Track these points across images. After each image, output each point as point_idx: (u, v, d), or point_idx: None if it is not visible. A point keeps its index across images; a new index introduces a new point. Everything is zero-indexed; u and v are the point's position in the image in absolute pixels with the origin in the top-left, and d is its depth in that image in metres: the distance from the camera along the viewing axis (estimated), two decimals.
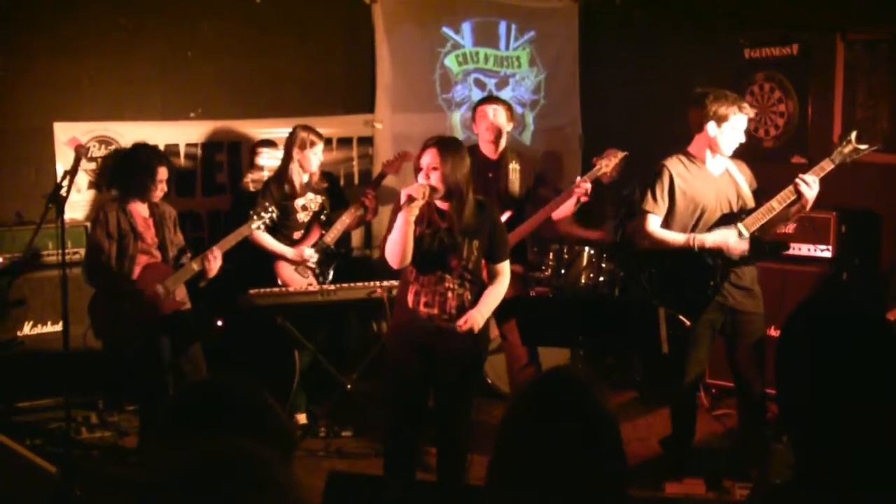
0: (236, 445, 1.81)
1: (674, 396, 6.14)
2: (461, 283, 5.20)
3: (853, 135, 5.61)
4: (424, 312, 5.21)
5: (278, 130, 7.72)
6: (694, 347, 5.82)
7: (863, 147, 5.59)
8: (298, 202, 6.88)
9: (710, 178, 5.81)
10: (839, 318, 2.29)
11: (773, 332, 6.28)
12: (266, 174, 7.79)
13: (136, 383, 6.34)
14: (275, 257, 6.82)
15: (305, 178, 6.93)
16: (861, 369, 2.16)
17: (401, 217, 5.01)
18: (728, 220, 5.76)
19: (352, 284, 6.68)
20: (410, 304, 5.24)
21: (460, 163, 5.09)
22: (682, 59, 8.35)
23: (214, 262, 6.09)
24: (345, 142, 8.38)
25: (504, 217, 6.32)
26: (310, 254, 6.82)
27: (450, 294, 5.19)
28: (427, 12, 8.70)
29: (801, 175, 5.58)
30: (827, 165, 5.60)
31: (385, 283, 6.51)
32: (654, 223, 5.82)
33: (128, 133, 7.35)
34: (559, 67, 9.34)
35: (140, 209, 6.18)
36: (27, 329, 6.83)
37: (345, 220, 6.93)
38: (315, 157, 6.89)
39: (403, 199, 4.99)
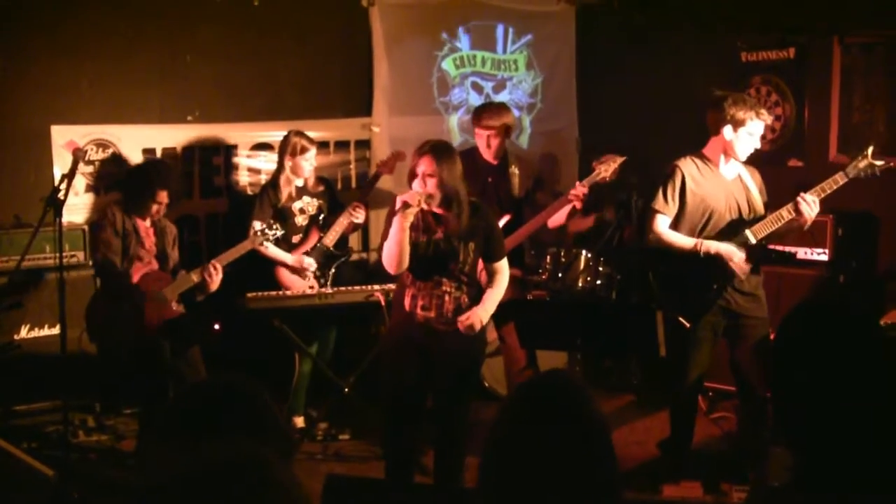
0: (239, 447, 1.81)
1: (674, 398, 6.14)
2: (458, 286, 5.21)
3: (869, 150, 5.61)
4: (421, 315, 5.22)
5: (275, 133, 7.71)
6: (695, 350, 5.83)
7: (879, 163, 5.59)
8: (296, 206, 6.88)
9: (722, 182, 5.81)
10: (834, 321, 2.29)
11: (772, 336, 6.28)
12: (263, 177, 7.79)
13: (136, 386, 6.34)
14: (275, 262, 6.83)
15: (300, 183, 6.94)
16: (856, 372, 2.17)
17: (396, 223, 5.01)
18: (736, 225, 5.76)
19: (349, 288, 6.69)
20: (407, 307, 5.25)
21: (454, 168, 5.09)
22: (679, 63, 8.36)
23: (216, 275, 6.10)
24: (342, 145, 8.38)
25: (503, 221, 6.33)
26: (309, 262, 6.83)
27: (447, 297, 5.20)
28: (425, 16, 8.70)
29: (802, 195, 5.58)
30: (840, 179, 5.60)
31: (383, 287, 6.51)
32: (662, 223, 5.82)
33: (125, 136, 7.35)
34: (556, 71, 9.35)
35: (139, 219, 6.21)
36: (24, 332, 6.82)
37: (342, 222, 6.94)
38: (307, 164, 6.90)
39: (398, 205, 5.00)
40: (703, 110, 5.86)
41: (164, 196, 6.16)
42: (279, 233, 6.37)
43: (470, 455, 5.24)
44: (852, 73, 7.51)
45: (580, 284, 7.06)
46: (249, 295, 6.49)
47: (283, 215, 6.75)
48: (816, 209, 5.57)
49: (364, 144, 8.49)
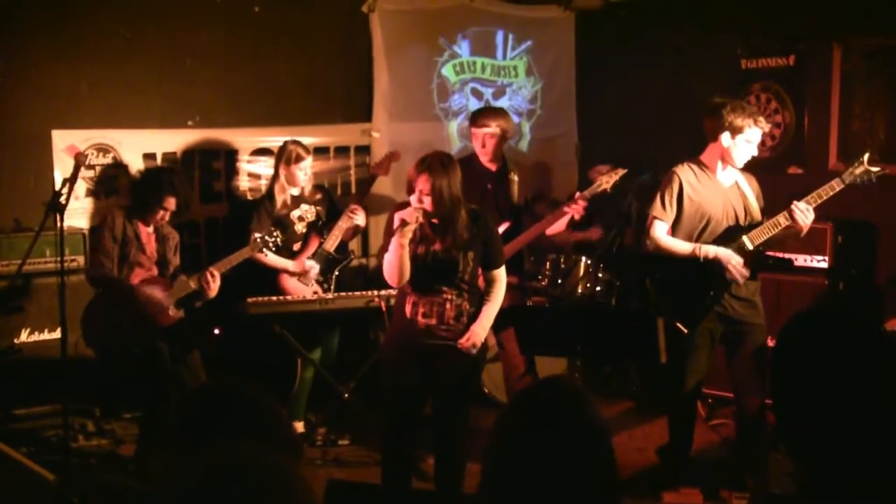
0: (250, 451, 1.82)
1: (672, 405, 6.15)
2: (459, 293, 5.22)
3: (865, 157, 5.63)
4: (423, 323, 5.23)
5: (275, 139, 7.72)
6: (692, 356, 5.83)
7: (875, 169, 5.61)
8: (294, 214, 6.89)
9: (719, 189, 5.83)
10: (835, 329, 2.29)
11: (770, 343, 6.29)
12: (263, 182, 7.80)
13: (135, 391, 6.34)
14: (277, 271, 6.83)
15: (296, 192, 6.95)
16: (857, 379, 2.17)
17: (395, 241, 5.04)
18: (734, 231, 5.77)
19: (350, 293, 6.69)
20: (408, 314, 5.26)
21: (453, 181, 5.09)
22: (679, 70, 8.37)
23: (213, 282, 6.10)
24: (342, 150, 8.39)
25: (502, 228, 6.34)
26: (311, 265, 6.84)
27: (448, 304, 5.21)
28: (425, 22, 8.71)
29: (795, 203, 5.60)
30: (837, 185, 5.62)
31: (383, 292, 6.52)
32: (660, 229, 5.84)
33: (126, 141, 7.35)
34: (556, 77, 9.37)
35: (143, 225, 6.20)
36: (24, 336, 6.82)
37: (342, 226, 6.94)
38: (301, 173, 6.90)
39: (397, 223, 5.03)
40: (702, 117, 5.88)
41: (171, 203, 6.16)
42: (279, 239, 6.36)
43: (470, 461, 5.26)
44: (852, 81, 7.52)
45: (580, 290, 7.06)
46: (250, 300, 6.50)
47: (281, 224, 6.75)
48: (811, 216, 5.59)
49: (364, 150, 8.49)
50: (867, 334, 2.26)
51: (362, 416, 6.79)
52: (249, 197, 7.86)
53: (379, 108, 8.48)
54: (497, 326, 5.68)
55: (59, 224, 5.83)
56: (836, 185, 5.61)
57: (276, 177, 6.93)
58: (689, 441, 6.14)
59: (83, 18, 7.29)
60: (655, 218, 5.85)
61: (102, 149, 7.34)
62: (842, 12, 7.45)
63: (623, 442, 6.60)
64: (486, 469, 2.32)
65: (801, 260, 7.15)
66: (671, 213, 5.82)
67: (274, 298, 6.63)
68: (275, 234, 6.33)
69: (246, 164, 7.98)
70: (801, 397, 2.23)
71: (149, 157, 7.43)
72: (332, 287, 6.90)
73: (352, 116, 8.51)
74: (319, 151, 7.88)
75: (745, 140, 5.70)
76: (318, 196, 7.11)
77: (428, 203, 5.04)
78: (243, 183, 7.98)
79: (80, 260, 6.82)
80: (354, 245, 8.04)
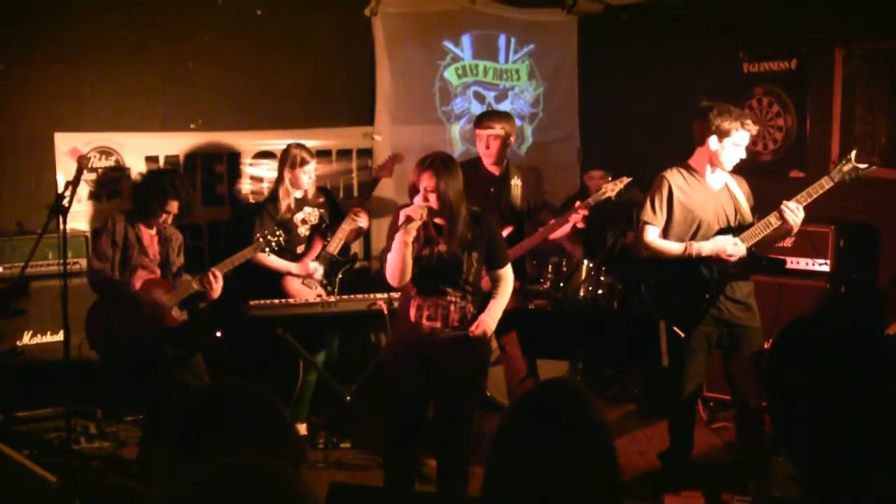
0: (250, 456, 1.82)
1: (672, 409, 6.15)
2: (463, 295, 5.22)
3: (853, 154, 5.65)
4: (427, 326, 5.22)
5: (278, 142, 7.73)
6: (690, 360, 5.84)
7: (862, 166, 5.62)
8: (297, 217, 6.90)
9: (709, 192, 5.84)
10: (830, 334, 2.29)
11: (768, 346, 6.29)
12: (266, 185, 7.81)
13: (138, 394, 6.34)
14: (281, 273, 6.84)
15: (299, 195, 6.96)
16: (854, 383, 2.17)
17: (398, 238, 5.04)
18: (725, 234, 5.78)
19: (352, 296, 6.70)
20: (413, 317, 5.25)
21: (454, 181, 5.10)
22: (682, 73, 8.38)
23: (216, 283, 6.08)
24: (344, 153, 8.40)
25: (505, 232, 6.34)
26: (315, 267, 6.85)
27: (452, 307, 5.21)
28: (427, 25, 8.72)
29: (785, 202, 5.61)
30: (826, 183, 5.62)
31: (385, 295, 6.52)
32: (652, 234, 5.85)
33: (128, 144, 7.37)
34: (558, 80, 9.38)
35: (147, 226, 6.20)
36: (27, 339, 6.83)
37: (345, 229, 6.96)
38: (306, 176, 6.91)
39: (402, 219, 5.02)
40: (691, 121, 5.89)
41: (174, 206, 6.15)
42: (282, 239, 6.35)
43: (473, 464, 5.26)
44: (854, 85, 7.52)
45: (582, 294, 7.07)
46: (252, 303, 6.51)
47: (285, 227, 6.74)
48: (801, 215, 5.60)
49: (366, 153, 8.51)
50: (862, 338, 2.26)
51: (364, 419, 6.79)
52: (252, 200, 7.87)
53: (381, 112, 8.50)
54: (499, 330, 5.69)
55: (61, 227, 5.82)
56: (825, 184, 5.62)
57: (280, 180, 6.94)
58: (689, 444, 6.14)
59: (86, 22, 7.30)
60: (646, 223, 5.87)
61: (105, 152, 7.36)
62: (843, 16, 7.45)
63: (624, 445, 6.60)
64: (489, 471, 2.33)
65: (803, 263, 7.13)
66: (661, 217, 5.83)
67: (276, 301, 6.64)
68: (277, 233, 6.32)
69: (248, 168, 8.00)
70: (798, 403, 2.22)
71: (151, 159, 7.45)
72: (336, 290, 6.91)
73: (354, 119, 8.53)
74: (322, 154, 7.89)
75: (733, 143, 5.72)
76: (321, 199, 7.12)
77: (433, 200, 5.04)
78: (245, 186, 8.00)
79: (83, 262, 6.83)
80: (357, 248, 8.04)
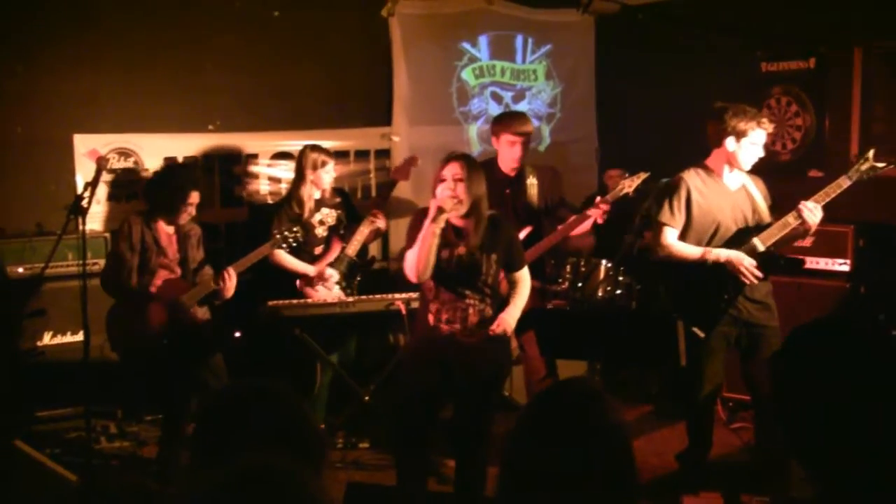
0: (268, 459, 1.82)
1: (690, 409, 6.14)
2: (482, 298, 5.22)
3: (871, 152, 5.62)
4: (446, 329, 5.22)
5: (295, 143, 7.74)
6: (708, 360, 5.83)
7: (880, 165, 5.60)
8: (315, 218, 6.87)
9: (726, 193, 5.83)
10: (838, 338, 2.27)
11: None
12: (283, 186, 7.82)
13: (157, 394, 6.35)
14: (298, 275, 6.85)
15: (317, 195, 6.95)
16: (864, 386, 2.15)
17: (426, 228, 5.02)
18: (743, 234, 5.77)
19: (370, 296, 6.70)
20: (431, 321, 5.25)
21: (480, 179, 5.14)
22: (699, 73, 8.35)
23: (229, 281, 6.07)
24: (362, 154, 8.41)
25: (523, 233, 6.34)
26: (330, 273, 6.83)
27: (471, 310, 5.20)
28: (444, 26, 8.72)
29: (803, 202, 5.59)
30: (844, 182, 5.60)
31: (403, 296, 6.52)
32: (670, 236, 5.84)
33: (147, 145, 7.40)
34: (575, 80, 9.37)
35: (165, 225, 6.19)
36: (47, 339, 6.86)
37: (363, 231, 6.95)
38: (328, 176, 6.92)
39: (433, 210, 5.00)
40: (707, 122, 5.88)
41: (195, 197, 6.16)
42: (298, 235, 6.35)
43: (490, 465, 5.26)
44: (873, 84, 7.49)
45: (600, 294, 7.06)
46: (270, 303, 6.51)
47: (303, 227, 6.73)
48: (819, 215, 5.58)
49: (384, 154, 8.51)
50: (871, 341, 2.24)
51: (382, 419, 6.79)
52: (269, 201, 7.89)
53: (398, 112, 8.51)
54: (518, 330, 5.69)
55: (80, 228, 5.85)
56: (843, 183, 5.60)
57: (301, 182, 6.90)
58: (707, 445, 6.13)
59: (104, 24, 7.33)
60: (664, 224, 5.85)
61: (124, 153, 7.39)
62: (862, 15, 7.43)
63: (642, 446, 6.58)
64: (504, 470, 2.32)
65: (822, 263, 7.10)
66: (680, 218, 5.81)
67: (294, 301, 6.64)
68: (294, 230, 6.31)
69: (266, 168, 8.02)
70: (808, 406, 2.21)
71: (169, 160, 7.47)
72: (355, 292, 6.92)
73: (371, 120, 8.53)
74: (339, 155, 7.89)
75: (750, 143, 5.71)
76: (337, 199, 7.11)
77: (461, 189, 5.04)
78: (263, 187, 8.02)
79: (102, 263, 6.85)
80: (375, 249, 8.04)
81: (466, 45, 8.88)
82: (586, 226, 6.63)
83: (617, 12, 9.12)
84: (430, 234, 5.02)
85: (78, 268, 6.16)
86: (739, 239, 5.77)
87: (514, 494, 2.28)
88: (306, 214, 6.82)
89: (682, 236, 5.84)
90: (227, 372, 6.26)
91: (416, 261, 5.09)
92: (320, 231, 6.89)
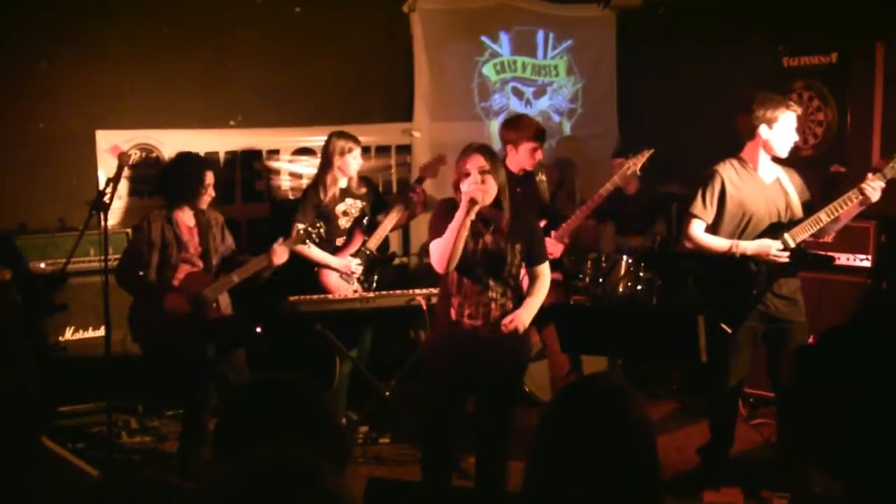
0: (288, 453, 1.82)
1: (713, 404, 6.13)
2: (504, 291, 5.21)
3: None
4: (468, 324, 5.22)
5: (317, 138, 7.76)
6: (735, 355, 5.82)
7: None
8: (339, 208, 6.87)
9: (761, 185, 5.80)
10: (875, 342, 2.26)
11: (812, 341, 6.26)
12: (304, 182, 7.83)
13: (179, 389, 6.37)
14: (319, 265, 6.84)
15: (343, 185, 6.93)
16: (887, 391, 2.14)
17: (458, 219, 5.02)
18: (775, 229, 5.75)
19: (391, 292, 6.70)
20: (454, 315, 5.24)
21: (502, 168, 5.16)
22: (720, 68, 8.33)
23: (282, 251, 6.14)
24: (383, 150, 8.42)
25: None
26: (356, 265, 6.84)
27: (493, 304, 5.20)
28: (465, 21, 8.73)
29: (867, 180, 5.54)
30: (879, 180, 5.57)
31: (424, 291, 6.52)
32: (698, 228, 5.82)
33: (168, 141, 7.43)
34: (597, 76, 9.35)
35: (186, 218, 6.19)
36: (69, 334, 6.90)
37: (386, 226, 6.95)
38: (354, 162, 6.89)
39: (465, 202, 5.00)
40: (733, 118, 5.86)
41: (210, 176, 6.17)
42: (322, 230, 6.35)
43: (511, 460, 5.26)
44: None
45: (621, 290, 7.05)
46: (292, 299, 6.52)
47: (326, 217, 6.74)
48: (879, 194, 5.54)
49: (405, 149, 8.52)
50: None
51: (403, 415, 6.80)
52: (291, 196, 7.91)
53: (420, 108, 8.51)
54: (540, 324, 5.69)
55: (102, 223, 5.87)
56: (880, 179, 5.56)
57: (329, 167, 6.86)
58: (730, 440, 6.11)
59: (126, 20, 7.37)
60: (695, 216, 5.83)
61: (146, 148, 7.43)
62: (885, 10, 7.38)
63: (663, 442, 6.50)
64: (530, 466, 2.32)
65: (844, 259, 7.07)
66: (711, 211, 5.79)
67: (315, 297, 6.65)
68: (318, 225, 6.31)
69: (287, 164, 8.04)
70: (832, 407, 2.20)
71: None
72: (373, 287, 6.92)
73: (392, 116, 8.54)
74: (361, 150, 7.90)
75: (783, 127, 5.70)
76: (364, 190, 7.08)
77: (489, 182, 5.04)
78: (284, 182, 8.04)
79: None
80: (395, 245, 8.04)
81: (487, 41, 8.87)
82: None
83: (638, 7, 9.11)
84: (462, 225, 5.02)
85: (100, 263, 6.18)
86: (772, 233, 5.74)
87: (540, 489, 2.28)
88: (327, 200, 6.81)
89: (714, 228, 5.81)
90: (249, 366, 6.28)
91: (445, 251, 5.07)
92: (343, 222, 6.90)
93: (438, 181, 7.51)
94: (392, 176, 8.49)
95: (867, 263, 7.06)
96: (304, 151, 8.05)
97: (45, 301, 6.68)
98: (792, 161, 5.86)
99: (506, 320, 5.17)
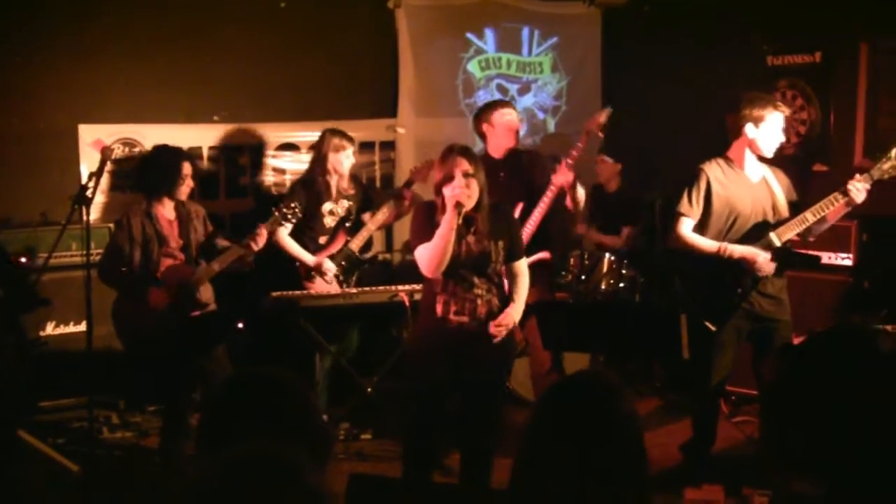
0: (270, 449, 1.82)
1: (696, 402, 6.14)
2: (489, 287, 5.21)
3: (893, 151, 5.58)
4: (455, 320, 5.21)
5: (301, 134, 7.76)
6: (719, 353, 5.83)
7: None
8: (326, 207, 6.85)
9: (747, 184, 5.81)
10: (859, 348, 2.27)
11: (795, 340, 6.28)
12: (288, 178, 7.82)
13: (159, 383, 6.36)
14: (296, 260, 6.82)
15: (334, 182, 6.90)
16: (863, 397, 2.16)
17: (446, 223, 5.00)
18: (761, 228, 5.76)
19: (374, 288, 6.70)
20: (440, 312, 5.22)
21: (482, 168, 5.15)
22: (705, 66, 8.34)
23: (260, 238, 6.08)
24: (367, 146, 8.41)
25: (517, 210, 6.33)
26: (329, 267, 6.80)
27: (479, 301, 5.19)
28: (450, 17, 8.73)
29: (852, 180, 5.55)
30: (865, 181, 5.58)
31: (407, 287, 6.52)
32: (686, 226, 5.82)
33: (152, 135, 7.40)
34: (581, 73, 9.36)
35: (166, 211, 6.17)
36: (50, 329, 6.89)
37: (370, 227, 6.94)
38: (347, 160, 6.87)
39: (451, 204, 4.99)
40: (723, 116, 5.87)
41: (188, 167, 6.14)
42: (298, 210, 6.29)
43: (494, 456, 5.27)
44: (879, 78, 7.47)
45: (603, 287, 7.07)
46: (275, 294, 6.51)
47: (311, 215, 6.72)
48: (864, 195, 5.55)
49: (389, 146, 8.52)
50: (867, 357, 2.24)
51: (385, 411, 6.80)
52: (275, 192, 7.90)
53: (404, 104, 8.51)
54: (523, 322, 5.68)
55: (85, 218, 5.85)
56: (866, 180, 5.56)
57: (317, 164, 6.85)
58: (712, 438, 6.12)
59: (110, 15, 7.36)
60: (682, 214, 5.83)
61: (129, 143, 7.41)
62: (868, 10, 7.41)
63: (646, 438, 6.55)
64: (519, 464, 2.32)
65: (826, 258, 7.08)
66: (698, 209, 5.80)
67: (298, 293, 6.64)
68: (293, 205, 6.24)
69: (271, 160, 8.03)
70: (813, 407, 2.21)
71: None
72: (351, 286, 6.90)
73: (377, 112, 8.54)
74: None
75: (769, 127, 5.70)
76: (352, 191, 7.05)
77: (474, 185, 5.04)
78: (268, 178, 8.03)
79: None
80: (379, 243, 8.02)
81: (472, 37, 8.87)
82: (568, 177, 6.54)
83: (624, 4, 9.12)
84: (449, 231, 5.01)
85: (82, 258, 6.16)
86: (757, 232, 5.75)
87: (529, 486, 2.28)
88: (317, 198, 6.79)
89: (701, 227, 5.82)
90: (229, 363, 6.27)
91: (434, 258, 5.05)
92: (329, 221, 6.88)
93: (428, 184, 7.49)
94: (376, 172, 8.48)
95: (849, 262, 7.08)
96: (289, 147, 8.04)
97: (27, 295, 6.65)
98: (775, 159, 5.87)
99: (500, 318, 5.18)
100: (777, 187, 5.86)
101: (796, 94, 8.00)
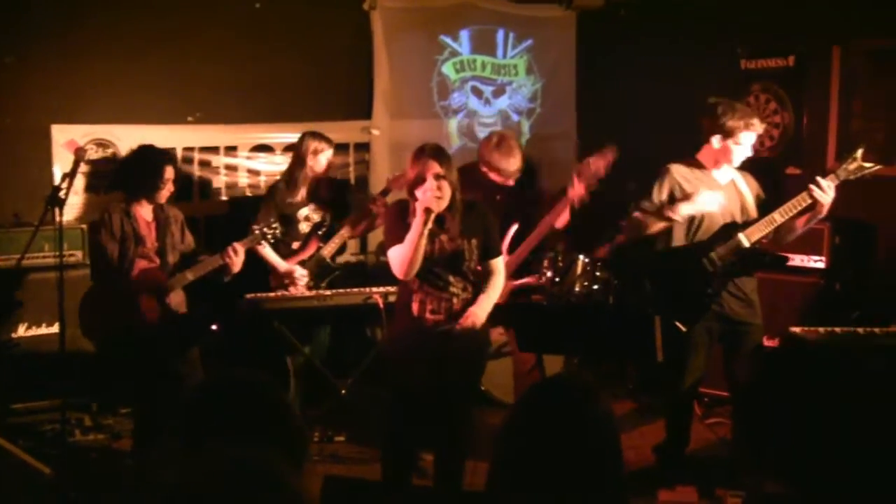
0: (242, 451, 1.81)
1: (670, 403, 6.16)
2: (465, 286, 5.22)
3: (859, 152, 5.61)
4: (431, 319, 5.21)
5: (275, 135, 7.73)
6: (692, 355, 5.85)
7: (868, 165, 5.59)
8: (302, 212, 6.83)
9: (714, 187, 5.82)
10: (803, 368, 2.29)
11: (767, 343, 6.32)
12: (263, 179, 7.79)
13: (132, 386, 6.32)
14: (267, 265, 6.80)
15: (312, 185, 6.89)
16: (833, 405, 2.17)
17: (415, 228, 5.00)
18: (730, 228, 5.77)
19: (348, 290, 6.69)
20: (416, 311, 5.23)
21: (454, 169, 5.14)
22: (680, 70, 8.36)
23: (236, 256, 6.06)
24: (341, 148, 8.35)
25: (512, 230, 6.35)
26: (300, 274, 6.78)
27: (455, 300, 5.20)
28: (425, 19, 8.72)
29: (816, 178, 5.57)
30: (831, 181, 5.60)
31: (381, 289, 6.51)
32: None
33: (125, 136, 7.36)
34: (556, 76, 9.36)
35: (144, 212, 6.15)
36: (22, 331, 6.84)
37: (343, 234, 6.92)
38: (325, 161, 6.87)
39: (420, 212, 4.98)
40: (699, 117, 5.89)
41: (170, 171, 6.12)
42: (278, 231, 6.31)
43: (469, 459, 5.27)
44: (851, 83, 7.51)
45: (577, 289, 7.06)
46: (248, 296, 6.49)
47: (287, 220, 6.70)
48: (832, 193, 5.53)
49: (363, 147, 8.51)
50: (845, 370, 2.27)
51: (359, 413, 6.79)
52: (249, 193, 7.87)
53: (379, 106, 8.50)
54: (507, 322, 5.69)
55: (58, 219, 5.82)
56: (832, 181, 5.59)
57: (295, 167, 6.84)
58: (685, 439, 6.15)
59: (85, 15, 7.30)
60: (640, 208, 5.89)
61: (102, 144, 7.37)
62: (842, 14, 7.44)
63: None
64: (496, 466, 2.33)
65: (798, 260, 7.12)
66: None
67: (272, 294, 6.63)
68: (274, 226, 6.27)
69: (245, 161, 8.00)
70: (790, 419, 2.23)
71: None
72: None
73: (352, 113, 8.52)
74: None
75: (736, 143, 5.71)
76: (327, 196, 7.02)
77: (445, 187, 5.03)
78: (242, 179, 8.00)
79: (79, 255, 6.86)
80: (353, 245, 8.00)
81: (447, 39, 8.87)
82: (565, 215, 6.57)
83: (599, 8, 9.14)
84: (419, 234, 5.00)
85: (54, 259, 6.13)
86: (725, 233, 5.77)
87: (506, 489, 2.29)
88: (297, 198, 6.78)
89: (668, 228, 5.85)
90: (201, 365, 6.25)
91: (406, 260, 5.06)
92: (304, 226, 6.87)
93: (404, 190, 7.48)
94: (350, 174, 8.47)
95: (821, 265, 7.12)
96: (263, 148, 8.01)
97: None
98: (748, 163, 5.89)
99: (462, 319, 5.17)
100: (746, 189, 5.89)
101: (769, 98, 8.03)
